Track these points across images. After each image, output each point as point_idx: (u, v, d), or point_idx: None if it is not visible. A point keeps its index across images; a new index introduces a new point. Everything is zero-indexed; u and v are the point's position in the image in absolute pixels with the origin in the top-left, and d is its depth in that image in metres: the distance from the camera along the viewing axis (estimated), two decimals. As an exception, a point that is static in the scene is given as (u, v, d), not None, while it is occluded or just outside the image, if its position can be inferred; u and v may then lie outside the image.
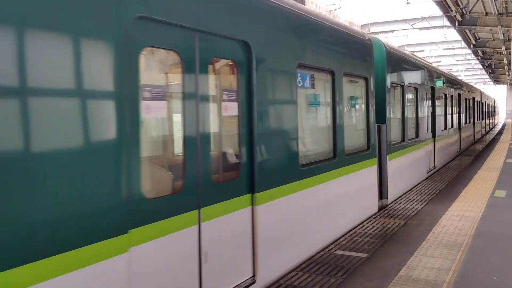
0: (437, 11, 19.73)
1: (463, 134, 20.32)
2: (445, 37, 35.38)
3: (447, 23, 21.07)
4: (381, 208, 8.69)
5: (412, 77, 11.08)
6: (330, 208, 6.42)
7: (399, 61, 10.13)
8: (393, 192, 9.29)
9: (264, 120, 4.78)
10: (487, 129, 38.55)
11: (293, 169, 5.36)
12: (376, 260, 5.68)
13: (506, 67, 34.37)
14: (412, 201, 9.35)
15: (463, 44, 29.37)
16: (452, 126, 16.94)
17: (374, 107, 8.17)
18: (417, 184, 11.39)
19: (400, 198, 9.52)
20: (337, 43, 6.87)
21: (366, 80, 7.85)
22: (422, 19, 26.78)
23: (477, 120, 27.69)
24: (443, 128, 15.03)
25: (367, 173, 7.77)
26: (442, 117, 15.05)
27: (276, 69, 5.09)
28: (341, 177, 6.66)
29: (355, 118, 7.75)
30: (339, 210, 6.74)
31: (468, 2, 16.30)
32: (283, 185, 5.13)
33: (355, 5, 47.42)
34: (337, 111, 6.58)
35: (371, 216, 7.99)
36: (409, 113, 10.81)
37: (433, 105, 13.50)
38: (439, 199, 9.38)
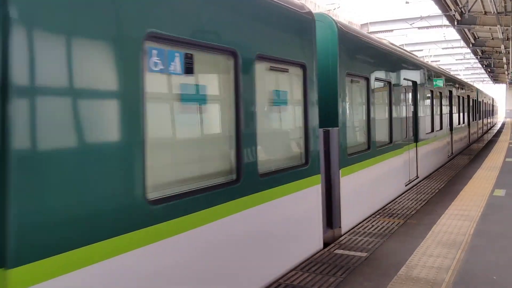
0: (436, 10, 19.77)
1: (456, 137, 18.13)
2: (444, 37, 35.44)
3: (446, 22, 21.11)
4: (330, 241, 6.52)
5: (383, 69, 8.91)
6: (223, 264, 4.11)
7: (361, 47, 8.00)
8: (350, 217, 7.12)
9: (37, 125, 2.62)
10: (485, 129, 36.24)
11: (128, 210, 3.17)
12: (376, 259, 5.68)
13: (505, 66, 34.41)
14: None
15: (462, 43, 29.42)
16: (441, 128, 14.83)
17: (317, 105, 5.96)
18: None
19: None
20: (243, 11, 4.59)
21: (304, 68, 5.67)
22: (421, 18, 26.84)
23: (473, 120, 25.33)
24: (428, 130, 13.01)
25: (303, 197, 5.60)
26: (428, 118, 12.98)
27: (80, 36, 2.93)
28: (251, 209, 4.53)
29: (282, 120, 5.60)
30: (241, 263, 4.42)
31: (467, 1, 16.33)
32: (96, 242, 2.94)
33: (355, 4, 47.48)
34: (244, 111, 4.39)
35: (311, 257, 5.73)
36: (378, 114, 8.66)
37: (416, 104, 11.50)
38: (439, 198, 9.38)
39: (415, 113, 11.42)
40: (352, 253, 5.95)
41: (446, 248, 6.02)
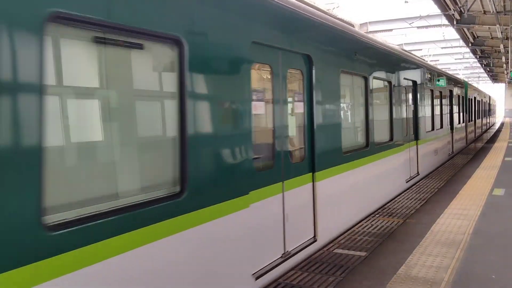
0: (435, 9, 19.73)
1: (426, 148, 12.61)
2: (444, 36, 35.41)
3: (446, 21, 21.10)
4: None
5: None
6: None
7: None
8: None
9: None
10: (478, 132, 29.77)
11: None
12: (375, 258, 5.69)
13: (504, 65, 34.41)
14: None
15: (461, 42, 29.37)
16: (390, 139, 9.31)
17: None
18: None
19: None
20: None
21: None
22: (421, 17, 26.78)
23: (460, 123, 19.59)
24: (379, 139, 8.42)
25: None
26: (362, 127, 7.93)
27: None
28: None
29: None
30: None
31: (466, 1, 16.34)
32: None
33: (354, 4, 47.42)
34: None
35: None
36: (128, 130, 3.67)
37: (310, 104, 5.91)
38: (438, 197, 9.38)
39: (311, 117, 5.92)
40: (351, 252, 5.95)
41: (445, 247, 6.03)
